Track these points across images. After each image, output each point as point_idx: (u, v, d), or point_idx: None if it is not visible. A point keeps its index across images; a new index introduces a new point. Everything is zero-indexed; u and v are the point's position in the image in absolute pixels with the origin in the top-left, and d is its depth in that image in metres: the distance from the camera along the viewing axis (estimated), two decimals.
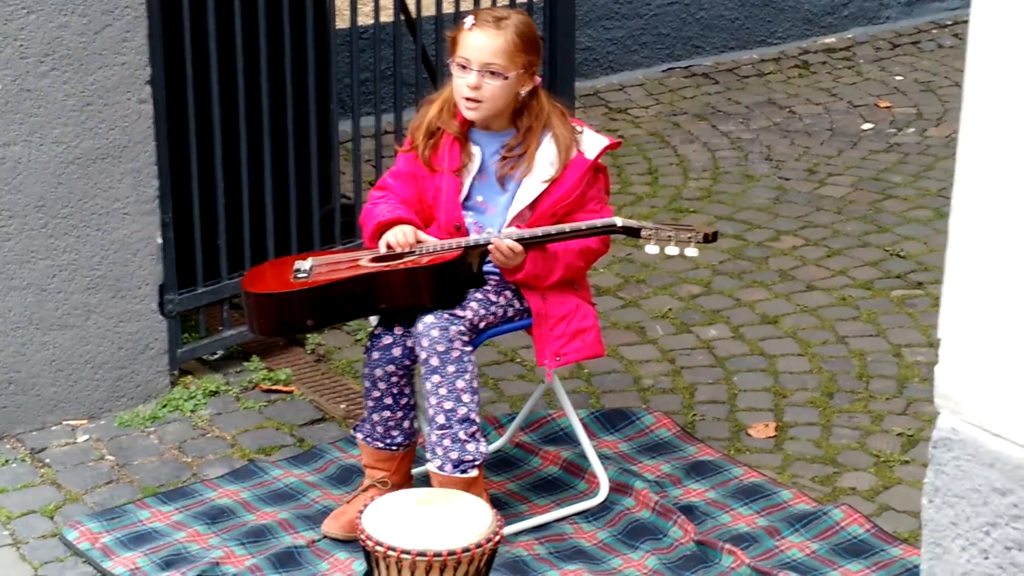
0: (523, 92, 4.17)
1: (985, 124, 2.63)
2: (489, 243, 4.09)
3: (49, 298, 4.69)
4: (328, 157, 5.37)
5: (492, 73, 4.10)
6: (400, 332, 4.16)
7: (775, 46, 8.00)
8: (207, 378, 5.05)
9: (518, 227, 4.15)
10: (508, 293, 4.22)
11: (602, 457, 4.50)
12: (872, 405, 4.92)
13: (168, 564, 4.15)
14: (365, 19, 6.15)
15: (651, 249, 4.08)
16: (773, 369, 5.14)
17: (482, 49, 4.10)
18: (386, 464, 4.28)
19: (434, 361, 4.04)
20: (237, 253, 5.09)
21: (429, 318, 4.06)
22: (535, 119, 4.18)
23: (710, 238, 4.05)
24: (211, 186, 5.02)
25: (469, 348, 4.08)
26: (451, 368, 4.04)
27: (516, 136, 4.20)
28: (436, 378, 4.05)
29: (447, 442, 4.08)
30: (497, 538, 3.71)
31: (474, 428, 4.09)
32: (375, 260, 4.16)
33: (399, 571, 3.63)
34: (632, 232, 4.08)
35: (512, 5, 5.66)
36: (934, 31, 8.25)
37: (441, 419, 4.07)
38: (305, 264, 4.23)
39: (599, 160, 4.20)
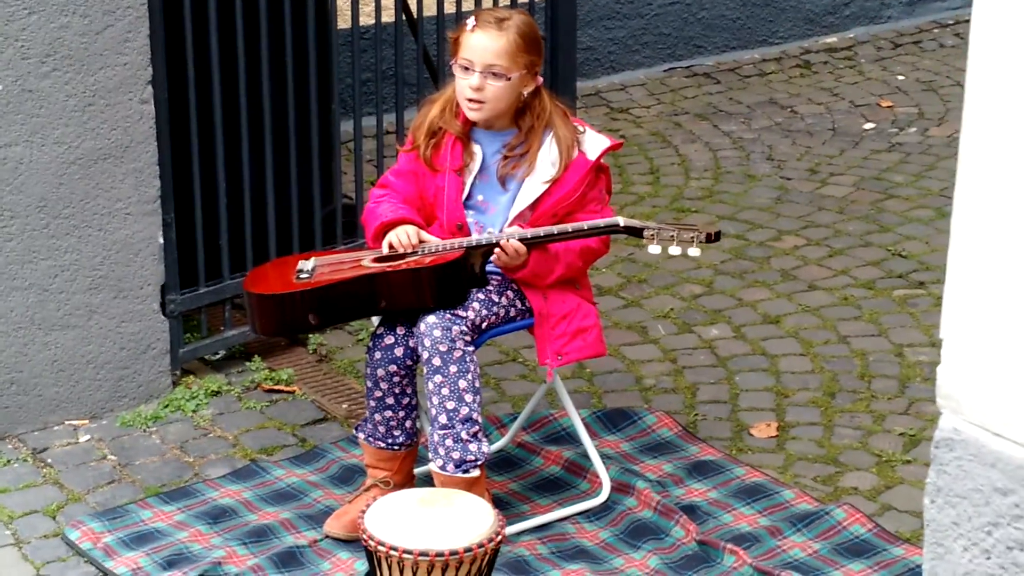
0: (526, 92, 4.17)
1: (987, 124, 2.63)
2: (492, 243, 4.09)
3: (51, 298, 4.69)
4: (330, 157, 5.37)
5: (495, 74, 4.10)
6: (402, 332, 4.17)
7: (777, 46, 8.00)
8: (209, 378, 5.06)
9: (520, 227, 4.15)
10: (510, 293, 4.22)
11: (604, 457, 4.50)
12: (874, 405, 4.92)
13: (170, 564, 4.15)
14: (367, 19, 6.15)
15: (654, 249, 4.08)
16: (775, 369, 5.14)
17: (484, 50, 4.10)
18: (388, 464, 4.28)
19: (436, 361, 4.05)
20: (239, 253, 5.09)
21: (431, 318, 4.06)
22: (537, 119, 4.18)
23: (713, 238, 4.05)
24: (213, 186, 5.02)
25: (471, 348, 4.08)
26: (453, 368, 4.04)
27: (518, 136, 4.20)
28: (438, 378, 4.05)
29: (449, 442, 4.08)
30: (499, 538, 3.71)
31: (476, 428, 4.09)
32: (377, 260, 4.16)
33: (401, 571, 3.63)
34: (635, 232, 4.08)
35: (513, 5, 5.66)
36: (936, 31, 8.25)
37: (443, 419, 4.07)
38: (308, 264, 4.23)
39: (600, 161, 4.20)
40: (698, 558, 4.16)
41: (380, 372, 4.18)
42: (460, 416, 4.06)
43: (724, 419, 4.86)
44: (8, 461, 4.65)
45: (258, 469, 4.61)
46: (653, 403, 4.95)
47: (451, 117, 4.22)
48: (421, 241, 4.16)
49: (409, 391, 4.22)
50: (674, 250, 4.06)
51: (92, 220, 4.70)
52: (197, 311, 5.10)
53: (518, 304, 4.23)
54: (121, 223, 4.75)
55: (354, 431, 4.39)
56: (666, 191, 6.47)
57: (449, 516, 3.72)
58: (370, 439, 4.26)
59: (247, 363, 5.14)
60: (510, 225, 4.17)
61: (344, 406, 4.94)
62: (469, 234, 4.19)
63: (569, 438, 4.68)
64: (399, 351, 4.16)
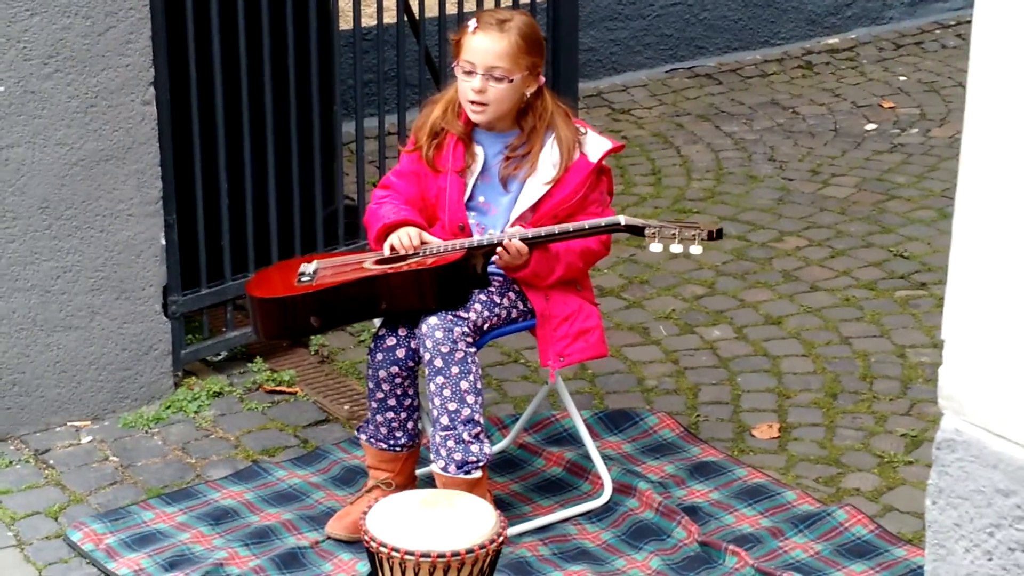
0: (528, 93, 4.17)
1: (988, 124, 2.63)
2: (493, 244, 4.09)
3: (53, 299, 4.70)
4: (331, 158, 5.37)
5: (497, 77, 4.10)
6: (404, 333, 4.17)
7: (778, 47, 8.00)
8: (211, 379, 5.06)
9: (522, 228, 4.15)
10: (512, 294, 4.22)
11: (606, 458, 4.50)
12: (876, 406, 4.92)
13: (172, 565, 4.15)
14: (368, 20, 6.15)
15: (655, 247, 4.08)
16: (777, 370, 5.14)
17: (486, 52, 4.10)
18: (390, 465, 4.28)
19: (438, 362, 4.05)
20: (241, 254, 5.09)
21: (433, 319, 4.06)
22: (539, 119, 4.18)
23: (714, 235, 4.04)
24: (214, 187, 5.02)
25: (473, 349, 4.09)
26: (455, 369, 4.04)
27: (520, 136, 4.20)
28: (440, 379, 4.05)
29: (451, 443, 4.08)
30: (501, 539, 3.71)
31: (478, 429, 4.09)
32: (379, 262, 4.16)
33: (403, 572, 3.63)
34: (636, 230, 4.08)
35: (515, 6, 5.67)
36: (937, 31, 8.25)
37: (445, 420, 4.07)
38: (310, 267, 4.23)
39: (602, 162, 4.20)
40: (700, 559, 4.16)
41: (382, 373, 4.18)
42: (462, 417, 4.06)
43: (726, 420, 4.86)
44: (10, 462, 4.65)
45: (260, 470, 4.61)
46: (655, 404, 4.95)
47: (453, 118, 4.22)
48: (423, 242, 4.16)
49: (411, 392, 4.22)
50: (676, 248, 4.06)
51: (94, 221, 4.70)
52: (199, 312, 5.09)
53: (520, 305, 4.23)
54: (123, 224, 4.75)
55: (356, 432, 4.39)
56: (668, 192, 6.47)
57: (451, 517, 3.72)
58: (372, 440, 4.26)
59: (249, 364, 5.14)
60: (511, 226, 4.17)
61: (346, 407, 4.94)
62: (471, 235, 4.19)
63: (571, 439, 4.68)
64: (401, 352, 4.16)
